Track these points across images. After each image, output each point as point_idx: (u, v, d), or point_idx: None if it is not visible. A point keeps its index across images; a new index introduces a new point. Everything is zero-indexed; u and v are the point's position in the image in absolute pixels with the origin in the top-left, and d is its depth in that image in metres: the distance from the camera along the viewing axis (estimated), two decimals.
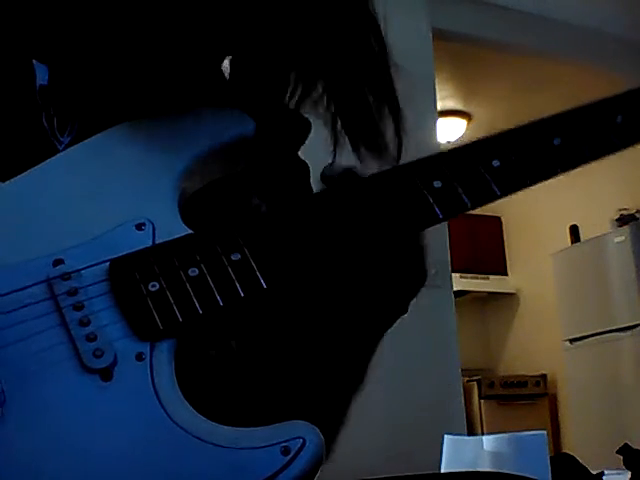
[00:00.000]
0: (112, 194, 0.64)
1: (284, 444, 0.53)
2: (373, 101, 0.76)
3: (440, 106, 3.96)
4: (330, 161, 0.79)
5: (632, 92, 0.72)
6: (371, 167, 0.76)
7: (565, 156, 0.68)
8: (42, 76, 0.70)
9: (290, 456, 0.53)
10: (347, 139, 0.77)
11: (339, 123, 0.76)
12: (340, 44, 0.75)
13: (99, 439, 0.54)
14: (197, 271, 0.59)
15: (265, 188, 0.80)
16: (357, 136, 0.76)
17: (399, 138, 0.76)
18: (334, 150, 0.78)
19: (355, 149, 0.76)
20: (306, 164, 0.87)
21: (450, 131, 5.27)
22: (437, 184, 0.65)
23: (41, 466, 0.53)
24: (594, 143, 0.69)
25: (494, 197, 0.66)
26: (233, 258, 0.60)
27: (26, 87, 0.69)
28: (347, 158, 0.78)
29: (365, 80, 0.76)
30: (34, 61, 0.70)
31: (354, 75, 0.76)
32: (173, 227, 0.63)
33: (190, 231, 0.62)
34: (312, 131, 0.81)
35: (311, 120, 0.81)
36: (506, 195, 0.67)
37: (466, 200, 0.65)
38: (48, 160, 0.65)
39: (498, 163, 0.66)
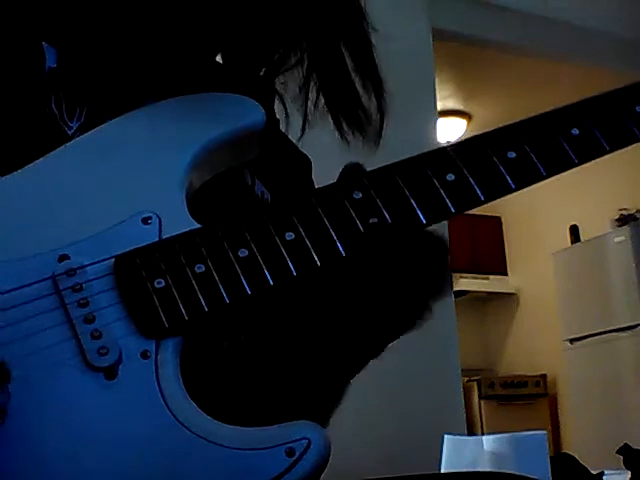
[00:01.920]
0: (118, 187, 0.64)
1: (289, 445, 0.53)
2: (356, 76, 0.76)
3: (440, 106, 3.95)
4: (299, 137, 0.79)
5: None
6: (353, 144, 0.75)
7: (583, 147, 0.66)
8: (51, 59, 0.70)
9: (295, 457, 0.52)
10: (329, 116, 0.76)
11: (312, 99, 0.76)
12: (323, 17, 0.75)
13: (103, 438, 0.54)
14: (203, 267, 0.59)
15: (270, 180, 0.79)
16: (339, 110, 0.75)
17: (381, 113, 0.76)
18: (303, 126, 0.78)
19: (337, 124, 0.75)
20: (307, 157, 0.87)
21: (450, 131, 5.26)
22: (450, 177, 0.63)
23: (45, 463, 0.53)
24: (613, 133, 0.67)
25: (509, 190, 0.64)
26: (240, 254, 0.59)
27: (36, 69, 0.69)
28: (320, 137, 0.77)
29: (348, 54, 0.76)
30: (44, 43, 0.70)
31: (337, 49, 0.76)
32: (180, 221, 0.62)
33: (197, 225, 0.62)
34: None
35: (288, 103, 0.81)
36: (521, 188, 0.64)
37: (480, 194, 0.63)
38: (53, 152, 0.65)
39: (514, 154, 0.64)
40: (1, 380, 0.53)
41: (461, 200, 0.63)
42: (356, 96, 0.75)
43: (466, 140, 0.66)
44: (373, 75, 0.76)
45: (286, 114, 0.83)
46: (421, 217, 0.62)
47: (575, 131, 0.66)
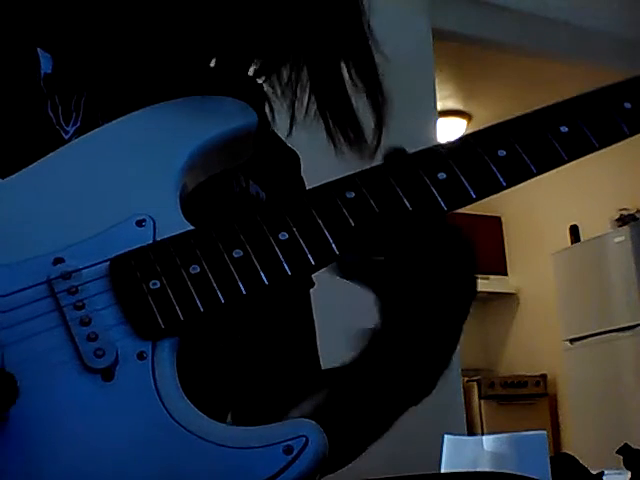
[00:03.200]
0: (113, 190, 0.64)
1: (286, 443, 0.53)
2: (359, 91, 0.76)
3: (440, 106, 3.95)
4: (285, 136, 0.79)
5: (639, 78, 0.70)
6: (349, 157, 0.76)
7: (573, 144, 0.66)
8: (46, 65, 0.70)
9: (292, 455, 0.52)
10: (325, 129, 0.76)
11: (302, 101, 0.76)
12: (322, 27, 0.76)
13: (101, 439, 0.54)
14: (198, 268, 0.59)
15: (264, 180, 0.80)
16: (331, 119, 0.76)
17: (379, 131, 0.76)
18: (290, 124, 0.78)
19: (329, 133, 0.76)
20: (295, 153, 0.87)
21: (450, 131, 5.26)
22: (441, 176, 0.64)
23: (44, 464, 0.53)
24: (602, 130, 0.67)
25: (500, 188, 0.65)
26: (235, 255, 0.60)
27: (30, 75, 0.69)
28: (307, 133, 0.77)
29: (352, 71, 0.76)
30: (38, 49, 0.70)
31: (334, 58, 0.76)
32: (174, 223, 0.62)
33: (191, 227, 0.62)
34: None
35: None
36: (512, 185, 0.65)
37: (471, 192, 0.64)
38: (48, 156, 0.65)
39: (504, 153, 0.65)
40: (6, 390, 0.53)
41: (453, 198, 0.63)
42: (350, 108, 0.76)
43: (457, 139, 0.67)
44: (377, 93, 0.76)
45: (272, 115, 0.83)
46: None
47: (564, 128, 0.67)
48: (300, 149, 0.89)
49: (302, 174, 0.87)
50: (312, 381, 0.79)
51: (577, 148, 0.66)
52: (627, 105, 0.68)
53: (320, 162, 0.91)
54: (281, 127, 0.83)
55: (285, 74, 0.78)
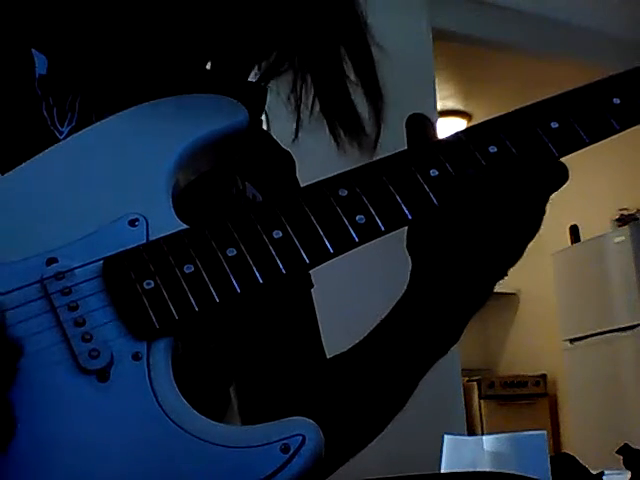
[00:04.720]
0: (104, 189, 0.64)
1: (283, 442, 0.53)
2: (356, 86, 0.76)
3: (440, 106, 3.95)
4: (292, 137, 0.80)
5: (629, 73, 0.71)
6: (349, 152, 0.76)
7: (563, 139, 0.66)
8: (41, 66, 0.70)
9: (290, 454, 0.52)
10: (325, 123, 0.77)
11: (307, 105, 0.77)
12: (319, 25, 0.76)
13: (97, 441, 0.53)
14: (192, 268, 0.59)
15: (260, 182, 0.80)
16: (335, 120, 0.76)
17: (378, 125, 0.76)
18: (296, 127, 0.78)
19: (333, 133, 0.76)
20: (290, 154, 0.87)
21: (450, 131, 5.26)
22: (433, 173, 0.64)
23: (40, 468, 0.53)
24: (592, 125, 0.67)
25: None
26: (229, 254, 0.59)
27: (25, 76, 0.69)
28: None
29: (349, 65, 0.76)
30: (33, 50, 0.70)
31: (335, 58, 0.76)
32: (167, 222, 0.62)
33: (184, 226, 0.62)
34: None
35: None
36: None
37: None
38: (40, 155, 0.65)
39: (495, 149, 0.65)
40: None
41: (445, 195, 0.63)
42: (352, 107, 0.76)
43: (450, 136, 0.67)
44: (373, 87, 0.77)
45: (267, 120, 0.83)
46: (406, 212, 0.63)
47: (554, 124, 0.67)
48: (306, 153, 0.89)
49: (297, 175, 0.87)
50: (318, 374, 0.80)
51: (567, 144, 0.66)
52: (616, 100, 0.68)
53: (325, 165, 0.91)
54: (284, 132, 0.83)
55: (290, 78, 0.78)
